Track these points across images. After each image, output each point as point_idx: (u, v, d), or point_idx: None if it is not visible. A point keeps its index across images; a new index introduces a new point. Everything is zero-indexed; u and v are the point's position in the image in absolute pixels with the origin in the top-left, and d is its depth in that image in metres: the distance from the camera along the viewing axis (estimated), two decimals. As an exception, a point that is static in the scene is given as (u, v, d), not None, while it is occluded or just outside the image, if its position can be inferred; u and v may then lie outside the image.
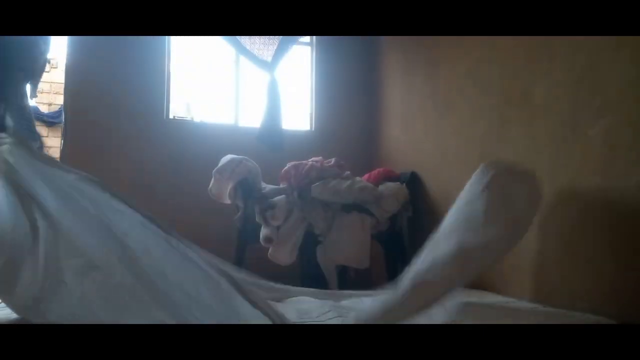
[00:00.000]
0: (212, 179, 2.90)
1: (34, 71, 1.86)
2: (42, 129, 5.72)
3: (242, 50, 3.60)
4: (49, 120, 5.98)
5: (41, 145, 1.74)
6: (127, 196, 1.53)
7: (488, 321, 1.57)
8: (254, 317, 1.33)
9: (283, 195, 2.86)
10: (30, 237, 1.50)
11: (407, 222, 3.14)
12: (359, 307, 1.90)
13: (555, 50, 2.07)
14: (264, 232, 2.75)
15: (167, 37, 3.49)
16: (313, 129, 3.88)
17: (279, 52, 3.62)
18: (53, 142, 5.78)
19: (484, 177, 1.64)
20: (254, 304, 1.33)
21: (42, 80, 1.79)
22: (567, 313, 1.79)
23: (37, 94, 1.82)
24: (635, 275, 1.68)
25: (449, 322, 1.56)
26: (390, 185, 3.06)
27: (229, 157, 2.89)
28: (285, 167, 3.00)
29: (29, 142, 1.64)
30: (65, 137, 3.34)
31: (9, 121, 1.68)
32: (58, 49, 5.07)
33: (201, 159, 3.28)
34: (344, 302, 2.05)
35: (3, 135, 1.62)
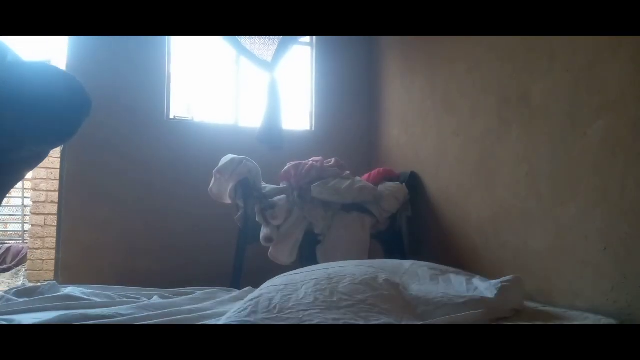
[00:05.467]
0: (213, 179, 2.90)
1: None
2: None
3: (242, 50, 3.60)
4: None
5: None
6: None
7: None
8: None
9: (283, 195, 2.87)
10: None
11: (407, 221, 3.14)
12: None
13: (555, 50, 2.07)
14: (264, 231, 2.75)
15: (167, 37, 3.49)
16: (313, 129, 3.88)
17: (279, 52, 3.63)
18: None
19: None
20: None
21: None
22: (567, 313, 1.79)
23: None
24: (635, 275, 1.69)
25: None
26: (390, 185, 3.07)
27: (229, 157, 2.89)
28: (285, 167, 3.00)
29: None
30: (65, 137, 3.34)
31: None
32: (58, 49, 5.07)
33: (201, 159, 3.29)
34: None
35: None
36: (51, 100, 1.38)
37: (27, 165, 1.63)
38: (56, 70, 1.46)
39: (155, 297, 2.21)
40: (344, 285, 1.68)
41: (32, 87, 1.35)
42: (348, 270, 1.83)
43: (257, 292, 1.74)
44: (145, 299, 2.15)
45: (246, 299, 1.70)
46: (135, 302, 2.07)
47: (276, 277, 1.94)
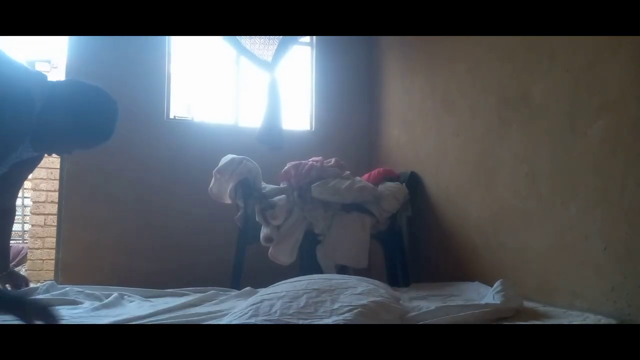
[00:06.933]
0: (213, 179, 2.90)
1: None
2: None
3: (242, 50, 3.60)
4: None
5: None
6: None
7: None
8: None
9: (283, 195, 2.86)
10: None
11: (407, 221, 3.14)
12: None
13: (555, 50, 2.07)
14: (264, 231, 2.75)
15: (167, 37, 3.49)
16: (313, 129, 3.88)
17: (279, 52, 3.63)
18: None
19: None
20: None
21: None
22: (566, 313, 1.80)
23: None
24: (635, 275, 1.69)
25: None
26: (390, 185, 3.07)
27: (229, 157, 2.89)
28: (285, 167, 3.00)
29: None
30: (65, 137, 3.33)
31: None
32: (58, 49, 5.08)
33: (201, 159, 3.29)
34: None
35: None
36: (90, 113, 1.66)
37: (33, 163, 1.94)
38: (85, 85, 1.70)
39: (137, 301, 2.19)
40: (345, 296, 1.70)
41: (72, 104, 1.62)
42: (350, 283, 1.86)
43: (258, 297, 1.75)
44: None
45: (247, 304, 1.71)
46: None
47: (276, 284, 1.95)
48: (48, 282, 2.42)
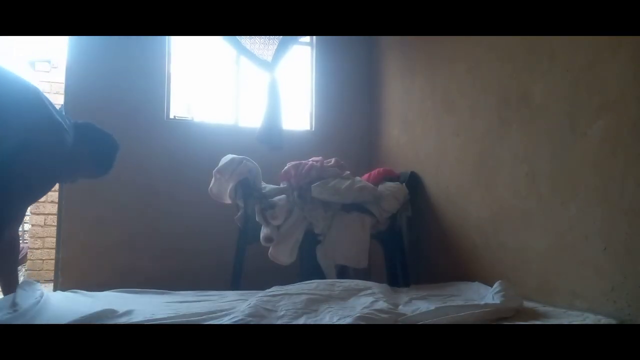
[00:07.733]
0: (213, 179, 2.90)
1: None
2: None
3: (242, 50, 3.60)
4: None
5: None
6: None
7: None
8: None
9: (283, 195, 2.86)
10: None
11: (407, 221, 3.14)
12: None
13: (555, 50, 2.07)
14: (264, 231, 2.75)
15: (167, 37, 3.49)
16: (313, 129, 3.88)
17: (279, 52, 3.63)
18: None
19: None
20: None
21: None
22: (566, 313, 1.80)
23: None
24: (635, 275, 1.69)
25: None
26: (390, 185, 3.07)
27: (229, 157, 2.89)
28: (285, 167, 3.00)
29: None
30: (65, 137, 3.34)
31: None
32: (58, 49, 5.09)
33: (201, 159, 3.29)
34: None
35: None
36: (102, 152, 2.07)
37: None
38: (97, 128, 2.08)
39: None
40: (345, 319, 1.73)
41: (90, 143, 2.02)
42: (349, 303, 1.91)
43: (260, 308, 1.77)
44: None
45: (247, 312, 1.72)
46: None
47: (276, 293, 1.97)
48: (25, 280, 2.01)
